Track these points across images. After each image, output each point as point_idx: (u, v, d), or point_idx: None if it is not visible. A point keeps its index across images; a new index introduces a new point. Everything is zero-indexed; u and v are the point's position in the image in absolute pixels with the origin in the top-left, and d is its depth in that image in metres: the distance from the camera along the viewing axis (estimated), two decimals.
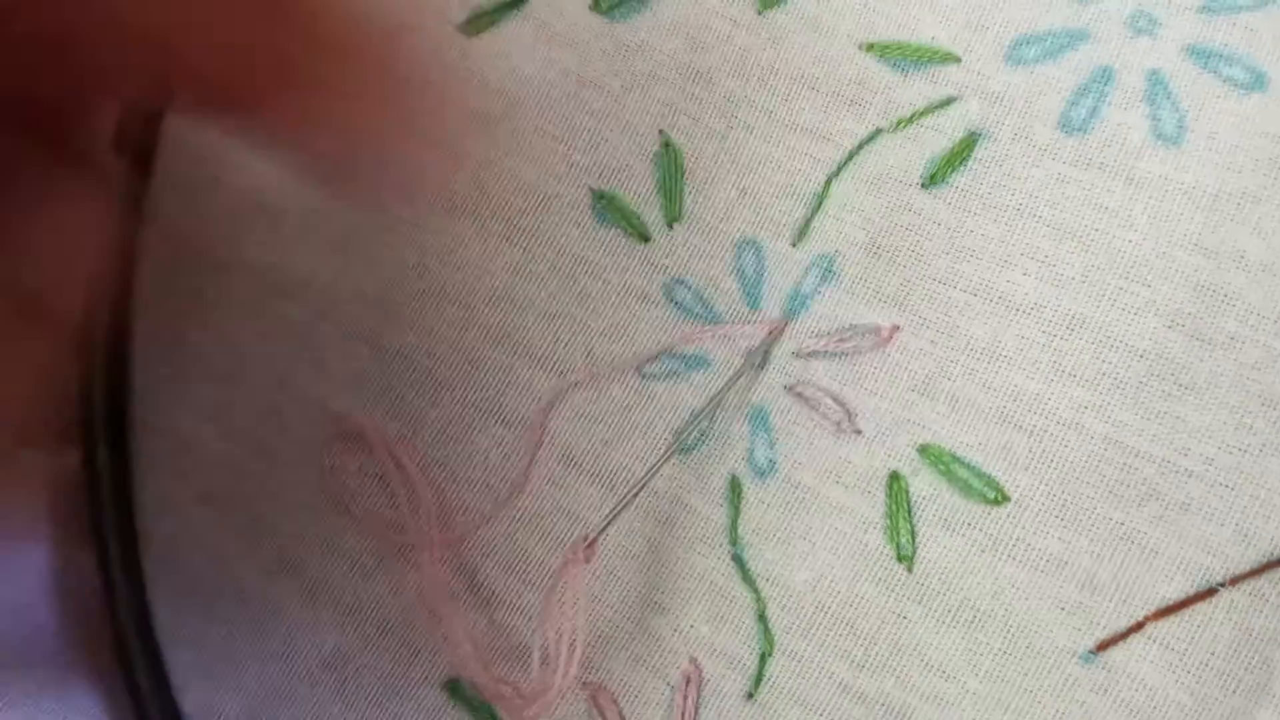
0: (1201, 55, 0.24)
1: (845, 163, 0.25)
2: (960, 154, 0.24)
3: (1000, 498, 0.23)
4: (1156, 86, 0.24)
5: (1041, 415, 0.23)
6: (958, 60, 0.25)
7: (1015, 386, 0.23)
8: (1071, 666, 0.23)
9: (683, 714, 0.24)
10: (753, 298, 0.25)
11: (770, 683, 0.24)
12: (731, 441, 0.25)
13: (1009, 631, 0.23)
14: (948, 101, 0.25)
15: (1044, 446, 0.23)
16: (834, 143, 0.25)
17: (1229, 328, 0.23)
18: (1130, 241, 0.23)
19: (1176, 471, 0.22)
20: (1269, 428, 0.22)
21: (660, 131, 0.26)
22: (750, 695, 0.24)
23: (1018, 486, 0.23)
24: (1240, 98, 0.23)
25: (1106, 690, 0.22)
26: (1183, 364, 0.23)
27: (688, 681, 0.24)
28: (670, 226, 0.26)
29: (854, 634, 0.24)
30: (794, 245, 0.25)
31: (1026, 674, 0.23)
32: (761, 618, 0.24)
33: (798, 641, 0.24)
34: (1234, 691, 0.22)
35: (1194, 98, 0.24)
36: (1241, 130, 0.23)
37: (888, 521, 0.24)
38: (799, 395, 0.24)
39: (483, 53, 0.27)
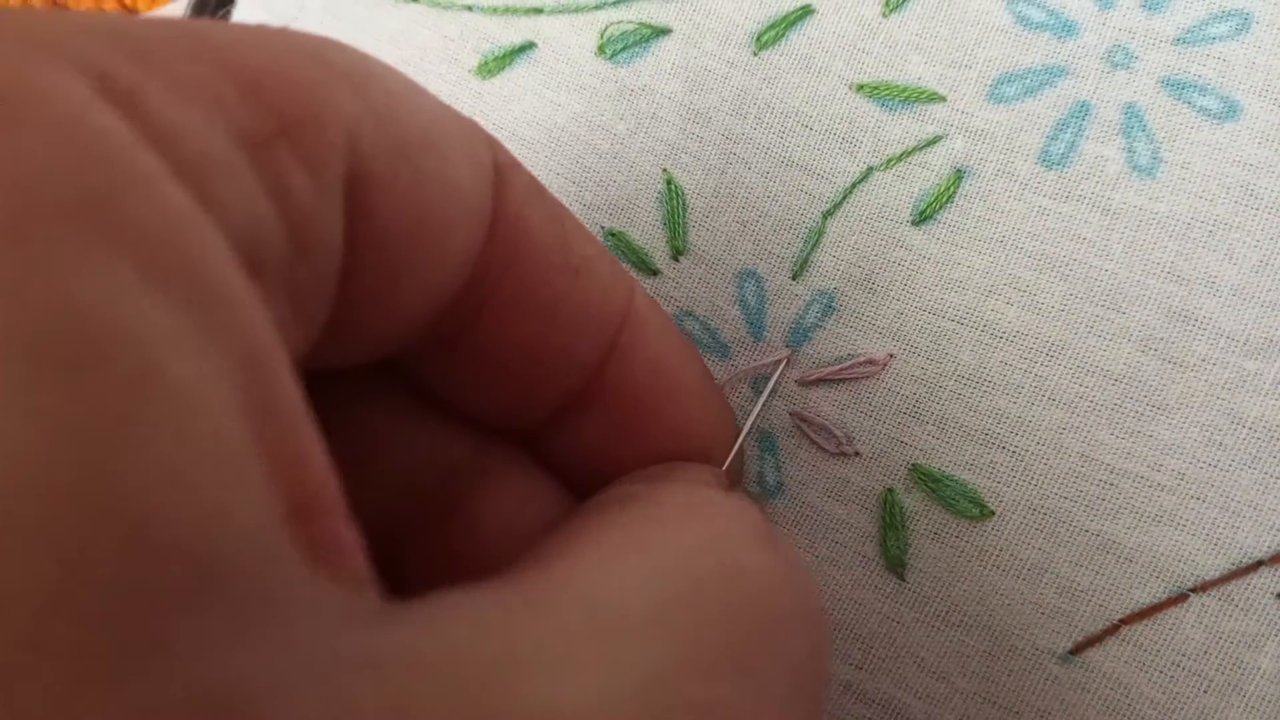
0: (1176, 86, 0.25)
1: (841, 201, 0.27)
2: (947, 191, 0.26)
3: (985, 513, 0.25)
4: (1132, 119, 0.25)
5: (1024, 436, 0.25)
6: (943, 99, 0.26)
7: (999, 409, 0.25)
8: (1052, 666, 0.24)
9: None
10: (756, 328, 0.27)
11: None
12: (746, 464, 0.27)
13: (994, 634, 0.25)
14: (935, 139, 0.26)
15: (1026, 465, 0.25)
16: (828, 180, 0.27)
17: (1200, 350, 0.24)
18: (1106, 271, 0.25)
19: (1150, 486, 0.24)
20: (1238, 443, 0.24)
21: (664, 170, 0.28)
22: None
23: (1001, 501, 0.25)
24: (1213, 127, 0.25)
25: (1085, 688, 0.24)
26: (1155, 386, 0.24)
27: None
28: (676, 259, 0.28)
29: (854, 637, 0.26)
30: (794, 279, 0.27)
31: (1011, 673, 0.25)
32: None
33: None
34: (1205, 690, 0.23)
35: (1168, 129, 0.25)
36: (1214, 159, 0.24)
37: (882, 534, 0.26)
38: (803, 421, 0.26)
39: (496, 96, 0.29)
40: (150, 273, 0.11)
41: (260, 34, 0.16)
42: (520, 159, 0.20)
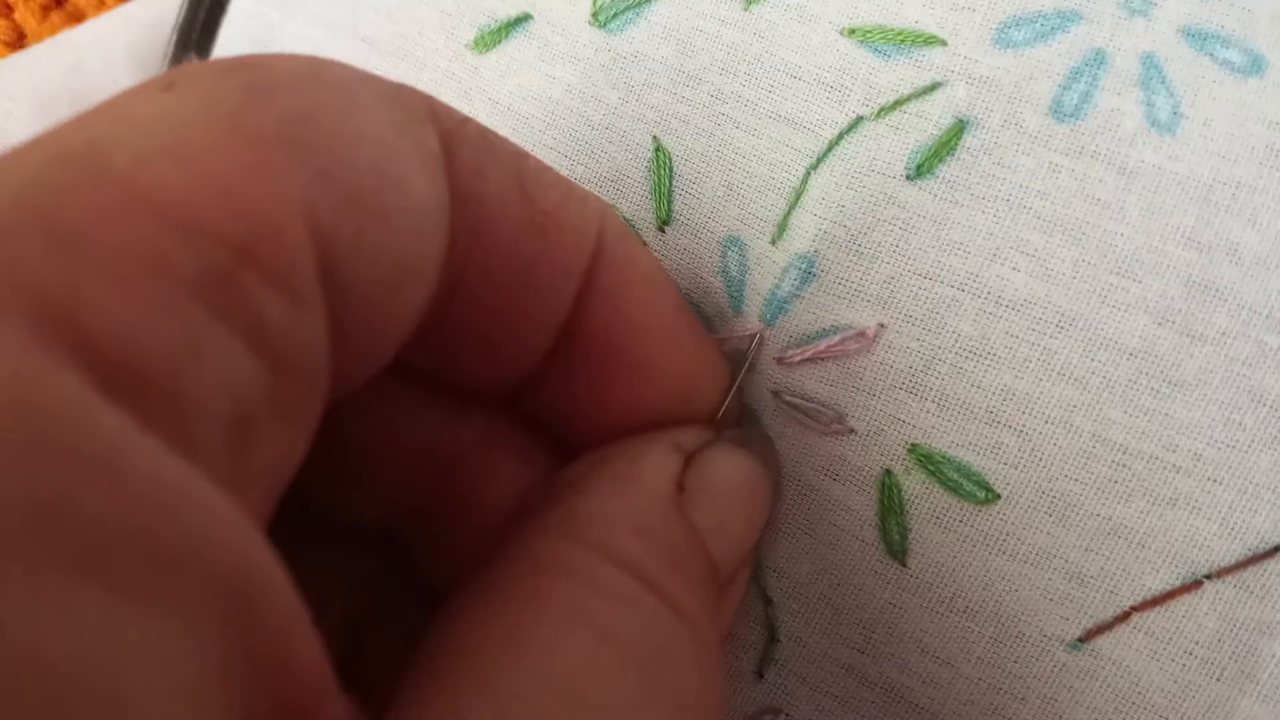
0: (1197, 37, 0.23)
1: (825, 154, 0.24)
2: (948, 143, 0.24)
3: (990, 496, 0.23)
4: (1151, 70, 0.23)
5: (1031, 414, 0.23)
6: (943, 43, 0.24)
7: (1004, 385, 0.23)
8: (1060, 653, 0.23)
9: None
10: (736, 300, 0.25)
11: (779, 665, 0.25)
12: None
13: (1000, 620, 0.24)
14: (933, 86, 0.24)
15: (1033, 445, 0.23)
16: (814, 132, 0.24)
17: (1220, 323, 0.23)
18: (1122, 235, 0.23)
19: (1164, 467, 0.23)
20: (1258, 423, 0.22)
21: (654, 138, 0.25)
22: (760, 675, 0.25)
23: (1008, 484, 0.23)
24: (1237, 82, 0.23)
25: (1093, 675, 0.23)
26: (1172, 361, 0.23)
27: None
28: (662, 230, 0.25)
29: (855, 622, 0.24)
30: (773, 243, 0.24)
31: (1017, 660, 0.24)
32: (768, 603, 0.25)
33: (802, 628, 0.25)
34: (1217, 679, 0.23)
35: (1189, 82, 0.23)
36: (1237, 117, 0.23)
37: (881, 519, 0.24)
38: (785, 402, 0.24)
39: (492, 70, 0.27)
40: (116, 583, 0.11)
41: (175, 134, 0.14)
42: (516, 136, 0.19)
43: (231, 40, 0.30)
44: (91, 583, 0.11)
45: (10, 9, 0.42)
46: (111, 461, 0.11)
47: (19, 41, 0.42)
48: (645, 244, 0.25)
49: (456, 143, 0.18)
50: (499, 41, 0.27)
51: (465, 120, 0.19)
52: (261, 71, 0.15)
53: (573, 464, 0.22)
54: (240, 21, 0.30)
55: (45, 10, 0.42)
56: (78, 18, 0.42)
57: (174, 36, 0.29)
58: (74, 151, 0.13)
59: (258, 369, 0.13)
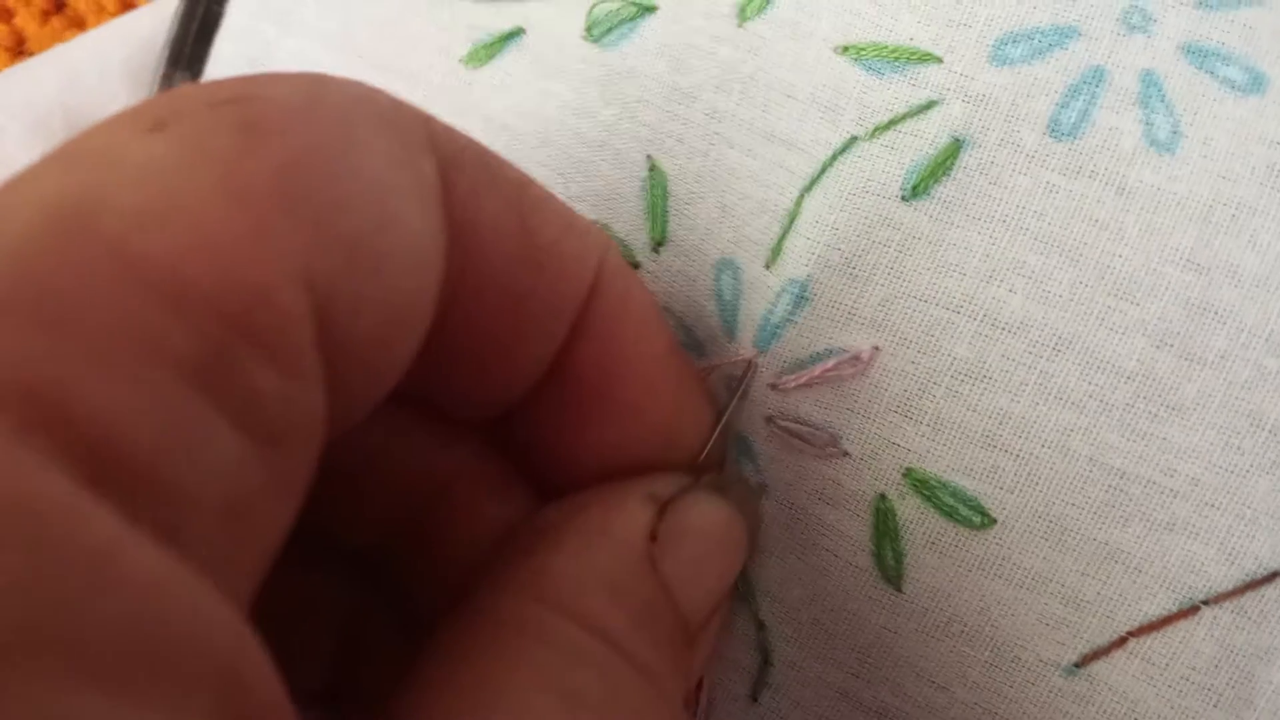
0: (1198, 54, 0.23)
1: (818, 175, 0.24)
2: (944, 162, 0.24)
3: (987, 521, 0.23)
4: (1150, 88, 0.23)
5: (1027, 438, 0.23)
6: (939, 60, 0.24)
7: (1000, 409, 0.23)
8: (1056, 678, 0.23)
9: (694, 717, 0.25)
10: (729, 325, 0.25)
11: (772, 689, 0.25)
12: (727, 466, 0.25)
13: (996, 645, 0.23)
14: (929, 105, 0.24)
15: (1030, 469, 0.23)
16: (807, 153, 0.24)
17: (1219, 345, 0.22)
18: (1120, 257, 0.23)
19: (1162, 492, 0.22)
20: (1256, 448, 0.22)
21: (648, 156, 0.25)
22: (754, 699, 0.25)
23: (1004, 509, 0.23)
24: (1237, 101, 0.22)
25: (1089, 701, 0.23)
26: (1170, 384, 0.22)
27: (699, 686, 0.25)
28: (656, 251, 0.25)
29: (849, 647, 0.24)
30: (767, 268, 0.24)
31: (1013, 685, 0.23)
32: (761, 628, 0.25)
33: (795, 652, 0.25)
34: (1215, 705, 0.22)
35: (1189, 101, 0.22)
36: (1238, 136, 0.22)
37: (875, 544, 0.24)
38: (779, 427, 0.24)
39: (485, 85, 0.27)
40: (112, 686, 0.11)
41: (165, 190, 0.13)
42: (509, 153, 0.19)
43: (227, 59, 0.29)
44: (89, 688, 0.11)
45: (10, 14, 0.42)
46: (102, 563, 0.11)
47: (19, 46, 0.42)
48: (640, 275, 0.25)
49: (454, 170, 0.17)
50: (492, 56, 0.27)
51: (465, 146, 0.18)
52: (258, 106, 0.15)
53: (548, 509, 0.21)
54: (235, 39, 0.30)
55: (45, 15, 0.41)
56: (78, 23, 0.41)
57: (165, 53, 0.28)
58: (61, 211, 0.13)
59: (250, 448, 0.13)
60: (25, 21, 0.42)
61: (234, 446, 0.13)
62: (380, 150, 0.15)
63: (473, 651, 0.17)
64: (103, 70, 0.31)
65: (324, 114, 0.15)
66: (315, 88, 0.15)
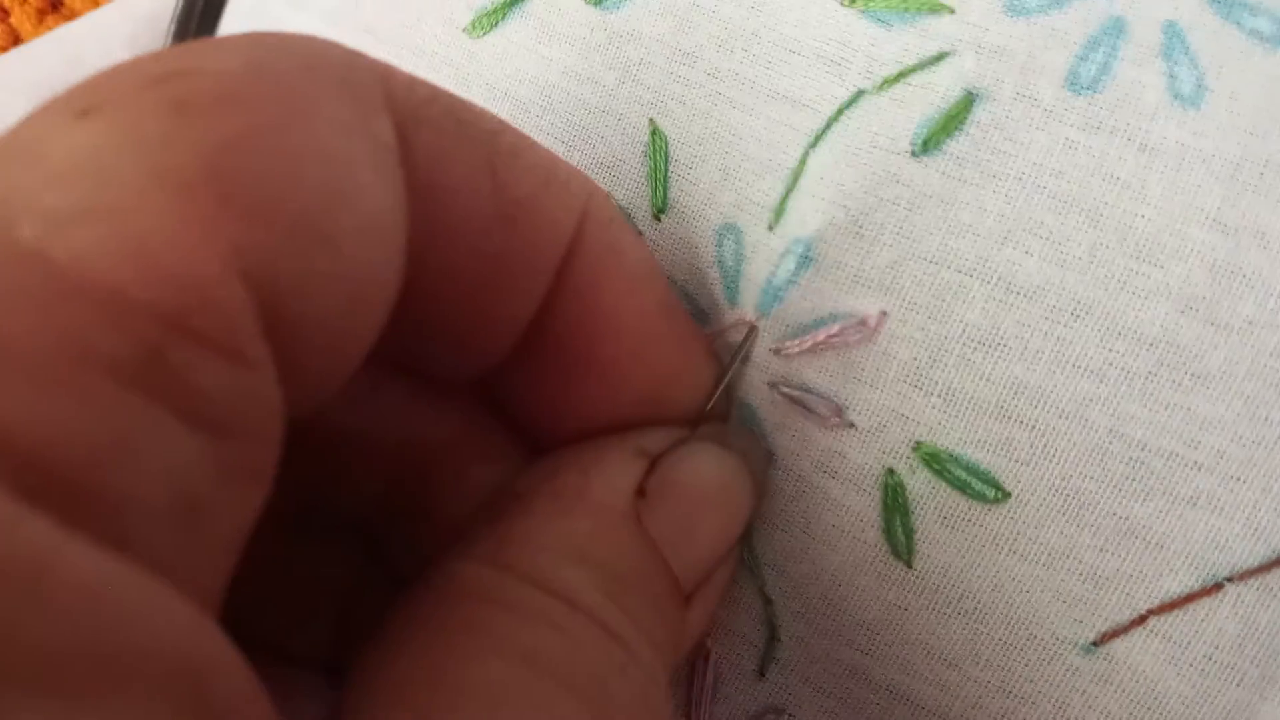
0: (1223, 4, 0.21)
1: (823, 131, 0.23)
2: (956, 116, 0.22)
3: (1000, 495, 0.22)
4: (1173, 40, 0.21)
5: (1043, 409, 0.22)
6: (950, 10, 0.23)
7: (1015, 378, 0.22)
8: (1073, 657, 0.22)
9: (702, 690, 0.25)
10: (731, 291, 0.24)
11: (779, 664, 0.24)
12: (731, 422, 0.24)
13: (1010, 623, 0.23)
14: (940, 57, 0.23)
15: (1046, 441, 0.22)
16: (813, 109, 0.23)
17: (1246, 312, 0.21)
18: (1142, 217, 0.22)
19: (1185, 464, 0.21)
20: None
21: (650, 120, 0.24)
22: (761, 674, 0.24)
23: (1019, 482, 0.22)
24: (1265, 53, 0.21)
25: (1107, 680, 0.22)
26: (1195, 352, 0.21)
27: (705, 659, 0.24)
28: (657, 219, 0.24)
29: (858, 623, 0.24)
30: (769, 229, 0.23)
31: (1028, 663, 0.23)
32: (768, 603, 0.24)
33: (803, 627, 0.24)
34: (1237, 684, 0.21)
35: (1214, 53, 0.21)
36: (1266, 90, 0.21)
37: (884, 520, 0.23)
38: (782, 394, 0.23)
39: (488, 55, 0.26)
40: (68, 691, 0.11)
41: (90, 186, 0.13)
42: (513, 121, 0.18)
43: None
44: (36, 696, 0.10)
45: (6, 13, 0.41)
46: (37, 572, 0.11)
47: (15, 45, 0.41)
48: (639, 232, 0.24)
49: (417, 127, 0.17)
50: (495, 24, 0.26)
51: (430, 98, 0.17)
52: (192, 82, 0.14)
53: (526, 472, 0.21)
54: (243, 15, 0.29)
55: (41, 14, 0.41)
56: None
57: (172, 29, 0.28)
58: None
59: (198, 443, 0.13)
60: (21, 21, 0.41)
61: (183, 444, 0.12)
62: (328, 117, 0.15)
63: (434, 618, 0.17)
64: (106, 48, 0.31)
65: (265, 85, 0.14)
66: (257, 54, 0.15)
